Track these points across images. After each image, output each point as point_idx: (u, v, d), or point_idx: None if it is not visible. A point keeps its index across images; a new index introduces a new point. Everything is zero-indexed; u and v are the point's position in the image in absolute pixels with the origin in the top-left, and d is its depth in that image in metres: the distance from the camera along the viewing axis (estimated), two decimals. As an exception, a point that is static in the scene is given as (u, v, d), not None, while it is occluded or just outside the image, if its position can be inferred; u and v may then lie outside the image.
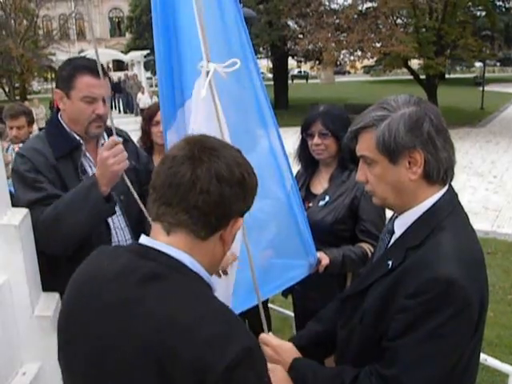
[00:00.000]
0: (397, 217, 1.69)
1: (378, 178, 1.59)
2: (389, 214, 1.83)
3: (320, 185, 2.91)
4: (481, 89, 25.59)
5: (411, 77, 25.12)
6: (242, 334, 1.16)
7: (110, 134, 2.46)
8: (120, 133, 2.60)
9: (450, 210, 1.58)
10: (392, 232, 1.70)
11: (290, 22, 25.33)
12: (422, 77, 22.95)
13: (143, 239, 1.29)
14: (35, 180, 2.28)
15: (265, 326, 2.14)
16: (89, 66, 2.34)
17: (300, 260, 2.49)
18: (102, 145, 2.41)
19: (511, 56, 33.17)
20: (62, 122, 2.44)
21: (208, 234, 1.25)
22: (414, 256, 1.52)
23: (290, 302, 3.17)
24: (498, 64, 44.96)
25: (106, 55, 29.27)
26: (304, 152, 2.94)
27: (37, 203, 2.24)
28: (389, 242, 1.72)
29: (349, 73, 51.69)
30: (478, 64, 35.34)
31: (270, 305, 4.07)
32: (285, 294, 3.07)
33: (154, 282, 1.18)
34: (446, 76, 35.63)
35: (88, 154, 2.44)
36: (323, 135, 2.78)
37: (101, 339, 1.19)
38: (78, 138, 2.41)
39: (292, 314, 3.42)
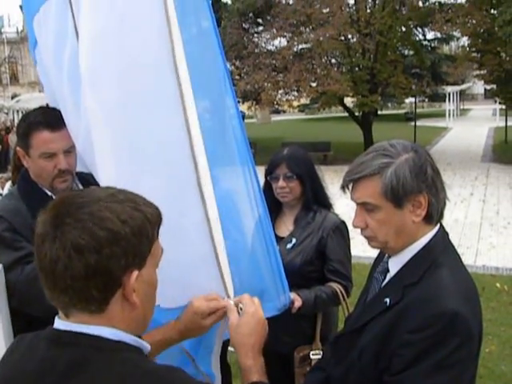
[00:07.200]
0: (389, 256, 1.70)
1: (381, 223, 1.59)
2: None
3: (285, 227, 2.89)
4: (412, 124, 26.52)
5: (345, 114, 25.74)
6: None
7: (83, 182, 2.43)
8: (86, 176, 2.47)
9: (444, 247, 1.62)
10: (386, 271, 1.72)
11: (228, 64, 25.58)
12: (357, 114, 23.58)
13: (57, 322, 1.12)
14: (14, 239, 2.20)
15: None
16: (43, 121, 2.24)
17: (270, 302, 2.29)
18: None
19: (438, 92, 34.87)
20: (32, 177, 2.35)
21: (101, 306, 1.08)
22: (414, 292, 1.53)
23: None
24: (427, 100, 47.16)
25: (42, 99, 28.46)
26: (268, 195, 2.79)
27: (18, 262, 2.16)
28: (383, 280, 1.73)
29: (284, 112, 52.71)
30: (408, 100, 36.85)
31: (230, 348, 3.55)
32: None
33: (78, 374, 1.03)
34: (379, 112, 36.89)
35: None
36: (288, 178, 2.79)
37: None
38: (49, 194, 2.34)
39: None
